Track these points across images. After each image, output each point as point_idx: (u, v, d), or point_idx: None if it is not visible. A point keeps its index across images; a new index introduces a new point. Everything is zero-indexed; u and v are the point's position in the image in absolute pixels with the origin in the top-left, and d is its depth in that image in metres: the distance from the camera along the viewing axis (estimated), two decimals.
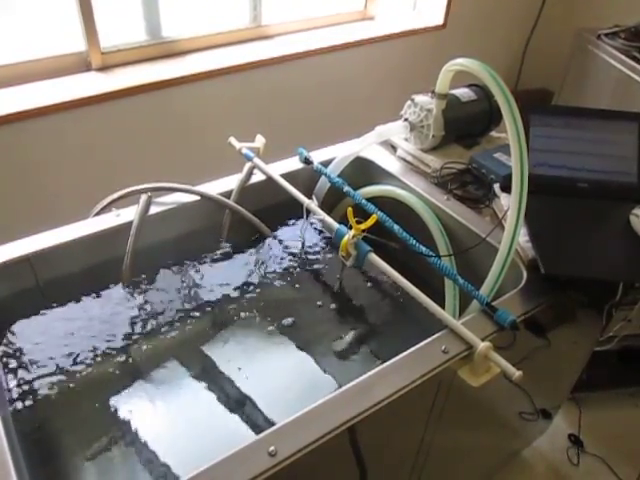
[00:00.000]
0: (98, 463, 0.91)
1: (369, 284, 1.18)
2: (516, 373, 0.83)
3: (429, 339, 0.89)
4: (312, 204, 1.12)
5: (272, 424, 0.87)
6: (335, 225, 1.07)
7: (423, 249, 1.03)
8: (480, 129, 1.36)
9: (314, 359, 1.04)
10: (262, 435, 0.73)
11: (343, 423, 0.75)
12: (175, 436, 0.93)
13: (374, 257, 1.01)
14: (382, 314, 1.16)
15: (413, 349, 0.87)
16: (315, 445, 0.73)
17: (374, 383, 0.81)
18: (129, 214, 1.09)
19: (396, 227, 1.07)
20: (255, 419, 0.95)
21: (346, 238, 1.01)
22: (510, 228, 0.98)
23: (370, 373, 0.83)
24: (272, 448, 0.71)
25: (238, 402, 0.98)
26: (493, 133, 1.40)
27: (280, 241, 1.22)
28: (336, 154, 1.29)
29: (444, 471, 1.25)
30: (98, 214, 1.10)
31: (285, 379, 1.02)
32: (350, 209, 1.00)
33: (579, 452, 1.72)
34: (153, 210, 1.11)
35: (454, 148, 1.33)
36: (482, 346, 0.85)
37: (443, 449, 1.11)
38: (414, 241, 1.04)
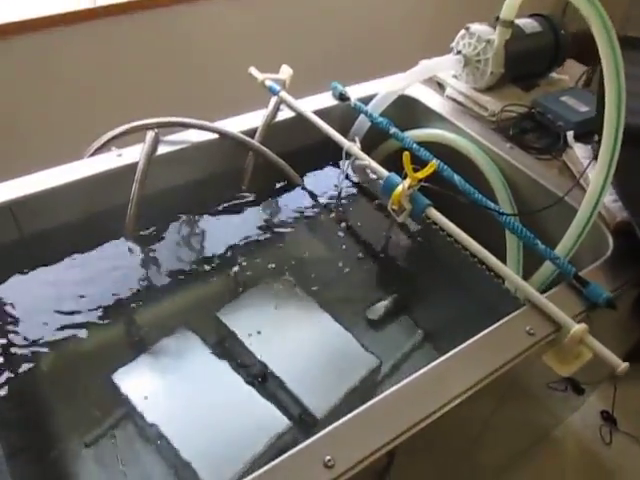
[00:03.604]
0: (99, 451, 0.75)
1: (417, 245, 1.00)
2: (622, 365, 0.67)
3: (509, 317, 0.72)
4: (354, 147, 0.93)
5: (302, 406, 0.75)
6: (384, 172, 0.88)
7: (492, 205, 0.85)
8: (542, 68, 1.17)
9: (348, 329, 0.87)
10: (315, 439, 0.57)
11: (414, 424, 0.59)
12: (188, 418, 0.76)
13: (434, 213, 0.83)
14: (430, 281, 0.99)
15: (491, 329, 0.70)
16: (381, 453, 0.57)
17: (448, 372, 0.65)
18: (133, 154, 0.89)
19: (457, 178, 0.88)
20: (280, 398, 0.79)
21: (400, 189, 0.83)
22: (597, 184, 0.81)
23: (441, 359, 0.66)
24: (328, 457, 0.55)
25: (260, 378, 0.81)
26: (554, 74, 1.21)
27: (311, 190, 1.04)
28: (374, 91, 1.10)
29: (477, 452, 1.11)
30: (95, 154, 0.90)
31: (315, 351, 0.84)
32: (407, 154, 0.81)
33: (612, 430, 1.60)
34: (161, 150, 0.91)
35: (511, 89, 1.14)
36: (577, 328, 0.69)
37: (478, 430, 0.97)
38: (480, 195, 0.86)
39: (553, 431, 1.56)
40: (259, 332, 0.84)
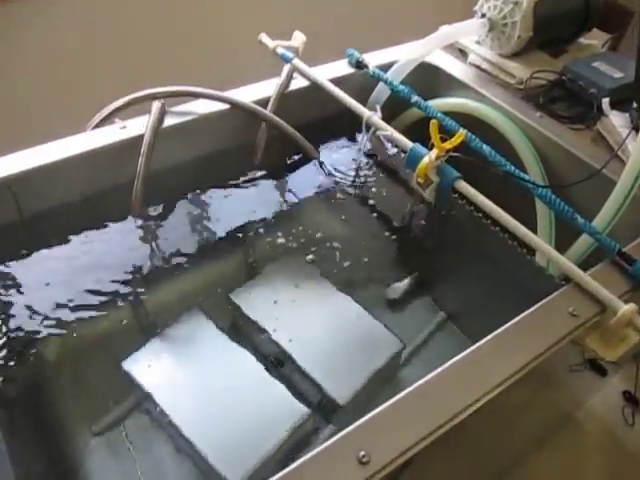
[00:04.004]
0: (109, 440, 0.70)
1: (440, 221, 0.94)
2: None
3: (549, 297, 0.66)
4: (375, 116, 0.87)
5: (323, 393, 0.70)
6: (408, 143, 0.82)
7: (526, 176, 0.79)
8: (571, 33, 1.10)
9: (370, 310, 0.81)
10: (347, 432, 0.51)
11: (454, 415, 0.54)
12: (202, 407, 0.71)
13: (464, 185, 0.77)
14: (454, 258, 0.93)
15: (531, 311, 0.64)
16: (419, 447, 0.51)
17: (488, 359, 0.59)
18: (138, 126, 0.83)
19: (486, 148, 0.82)
20: (299, 384, 0.74)
21: (426, 160, 0.77)
22: (638, 154, 0.74)
23: (479, 344, 0.60)
24: (362, 453, 0.50)
25: (277, 363, 0.77)
26: (582, 40, 1.13)
27: (328, 164, 0.97)
28: (392, 59, 1.03)
29: (497, 437, 1.06)
30: (97, 127, 0.84)
31: (335, 334, 0.79)
32: (435, 122, 0.75)
33: (634, 411, 1.55)
34: (168, 122, 0.85)
35: (538, 55, 1.07)
36: (626, 309, 0.63)
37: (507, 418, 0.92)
38: (511, 166, 0.80)
39: (574, 413, 1.52)
40: (275, 314, 0.78)
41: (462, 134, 0.77)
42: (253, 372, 0.74)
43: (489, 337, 0.61)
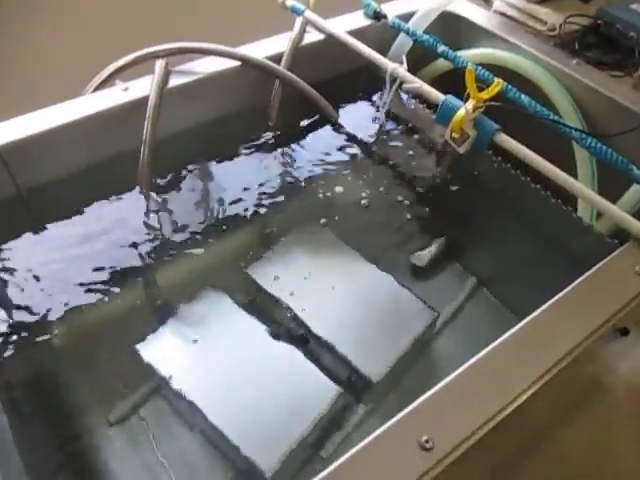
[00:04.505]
0: (127, 431, 0.64)
1: (469, 182, 0.87)
2: None
3: (611, 256, 0.60)
4: (400, 68, 0.79)
5: (354, 369, 0.65)
6: (439, 95, 0.74)
7: (574, 125, 0.72)
8: None
9: (398, 279, 0.75)
10: (405, 415, 0.45)
11: (523, 391, 0.47)
12: (225, 391, 0.64)
13: (505, 138, 0.70)
14: (486, 221, 0.86)
15: (592, 271, 0.58)
16: (488, 427, 0.45)
17: (553, 326, 0.53)
18: (141, 87, 0.75)
19: (525, 98, 0.75)
20: (327, 361, 0.68)
21: (462, 113, 0.70)
22: None
23: (541, 310, 0.54)
24: (425, 437, 0.43)
25: (302, 340, 0.70)
26: None
27: (347, 124, 0.90)
28: (411, 9, 0.95)
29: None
30: (97, 89, 0.76)
31: (361, 306, 0.72)
32: (471, 70, 0.67)
33: None
34: (173, 82, 0.77)
35: (568, 1, 0.99)
36: None
37: None
38: (554, 115, 0.73)
39: (602, 379, 1.47)
40: (296, 288, 0.71)
41: (500, 82, 0.70)
42: (278, 350, 0.68)
43: (549, 303, 0.55)
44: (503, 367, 0.49)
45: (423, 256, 0.83)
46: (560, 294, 0.55)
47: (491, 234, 0.87)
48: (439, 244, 0.84)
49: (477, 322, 0.80)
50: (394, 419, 0.44)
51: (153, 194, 0.77)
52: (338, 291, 0.73)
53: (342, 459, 0.42)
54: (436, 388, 0.47)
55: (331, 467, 0.41)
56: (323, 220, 0.81)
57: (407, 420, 0.44)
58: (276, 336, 0.68)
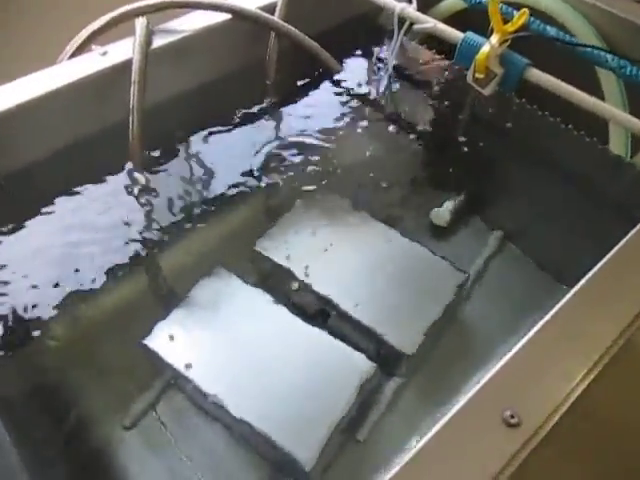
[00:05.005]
0: (143, 433, 0.57)
1: (487, 131, 0.80)
2: None
3: None
4: (409, 8, 0.71)
5: (384, 343, 0.58)
6: (457, 34, 0.67)
7: (610, 55, 0.64)
8: None
9: (418, 241, 0.68)
10: (481, 388, 0.38)
11: (609, 348, 0.41)
12: (250, 380, 0.57)
13: (536, 73, 0.62)
14: (511, 171, 0.79)
15: None
16: (576, 394, 0.39)
17: (620, 280, 0.46)
18: (122, 50, 0.67)
19: (551, 29, 0.67)
20: (354, 337, 0.61)
21: (486, 49, 0.62)
22: None
23: (605, 261, 0.47)
24: (509, 412, 0.37)
25: (324, 316, 0.63)
26: None
27: (352, 78, 0.82)
28: None
29: None
30: (73, 56, 0.68)
31: (384, 274, 0.65)
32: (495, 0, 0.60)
33: None
34: (157, 43, 0.69)
35: None
36: None
37: None
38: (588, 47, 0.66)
39: (632, 337, 1.42)
40: (311, 260, 0.64)
41: (525, 11, 0.63)
42: (300, 330, 0.61)
43: (609, 255, 0.48)
44: (580, 322, 0.42)
45: (443, 213, 0.76)
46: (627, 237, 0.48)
47: (518, 184, 0.80)
48: (460, 199, 0.77)
49: (506, 278, 0.73)
50: (469, 394, 0.38)
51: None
52: (357, 260, 0.66)
53: (420, 444, 0.35)
54: (512, 353, 0.40)
55: (411, 453, 0.34)
56: (332, 185, 0.74)
57: (484, 394, 0.38)
58: (296, 314, 0.62)
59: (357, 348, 0.59)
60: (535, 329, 0.42)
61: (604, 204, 0.69)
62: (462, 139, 0.79)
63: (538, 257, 0.73)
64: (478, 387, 0.38)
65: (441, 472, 0.35)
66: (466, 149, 0.78)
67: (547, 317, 0.43)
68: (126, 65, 0.65)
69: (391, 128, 0.80)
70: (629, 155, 0.71)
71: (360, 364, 0.58)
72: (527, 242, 0.74)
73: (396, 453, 0.55)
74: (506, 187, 0.79)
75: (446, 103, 0.81)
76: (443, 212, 0.76)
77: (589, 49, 0.65)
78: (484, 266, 0.72)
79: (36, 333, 0.59)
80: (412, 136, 0.80)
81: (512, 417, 0.37)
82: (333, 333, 0.60)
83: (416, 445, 0.36)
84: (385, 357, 0.60)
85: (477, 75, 0.64)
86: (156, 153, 0.71)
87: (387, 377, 0.61)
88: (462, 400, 0.38)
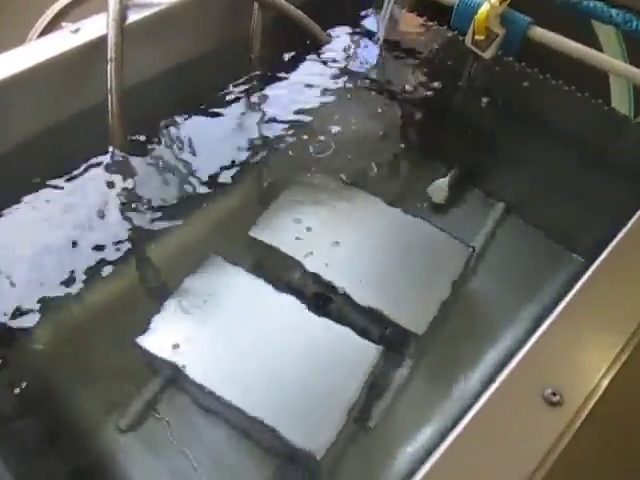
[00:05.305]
0: (143, 436, 0.53)
1: (481, 99, 0.76)
2: None
3: None
4: None
5: (392, 323, 0.54)
6: None
7: (613, 11, 0.61)
8: None
9: (419, 216, 0.64)
10: (517, 365, 0.35)
11: None
12: (255, 373, 0.53)
13: (539, 31, 0.59)
14: (507, 139, 0.76)
15: None
16: (617, 367, 0.36)
17: None
18: (94, 27, 0.62)
19: None
20: (359, 321, 0.57)
21: (486, 8, 0.59)
22: None
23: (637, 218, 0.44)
24: (550, 390, 0.34)
25: (325, 300, 0.60)
26: None
27: (341, 50, 0.78)
28: None
29: None
30: (43, 35, 0.63)
31: (387, 252, 0.62)
32: None
33: None
34: (132, 18, 0.64)
35: None
36: None
37: None
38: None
39: None
40: (309, 243, 0.61)
41: None
42: (302, 316, 0.57)
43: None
44: (613, 293, 0.39)
45: (441, 188, 0.73)
46: None
47: (519, 152, 0.76)
48: (457, 172, 0.73)
49: (511, 249, 0.70)
50: (505, 372, 0.34)
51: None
52: (358, 240, 0.62)
53: (457, 430, 0.32)
54: (546, 325, 0.37)
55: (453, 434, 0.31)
56: (326, 164, 0.70)
57: (522, 371, 0.35)
58: (297, 300, 0.58)
59: (362, 332, 0.56)
60: (565, 302, 0.39)
61: (609, 166, 0.67)
62: (458, 109, 0.76)
63: (543, 226, 0.70)
64: (513, 365, 0.35)
65: (485, 456, 0.32)
66: (463, 119, 0.75)
67: (575, 289, 0.40)
68: (100, 42, 0.60)
69: (384, 100, 0.76)
70: (632, 113, 0.68)
71: (367, 349, 0.55)
72: (531, 212, 0.71)
73: (408, 440, 0.52)
74: (506, 157, 0.76)
75: (439, 71, 0.78)
76: (441, 187, 0.72)
77: (591, 4, 0.61)
78: (489, 239, 0.70)
79: (20, 339, 0.54)
80: (406, 108, 0.76)
81: (554, 395, 0.34)
82: (337, 317, 0.57)
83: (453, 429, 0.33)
84: (393, 339, 0.57)
85: (477, 37, 0.60)
86: (138, 137, 0.66)
87: (396, 360, 0.58)
88: (498, 379, 0.34)
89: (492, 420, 0.32)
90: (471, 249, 0.62)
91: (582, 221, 0.67)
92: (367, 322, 0.58)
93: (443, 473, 0.31)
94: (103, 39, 0.60)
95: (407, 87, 0.77)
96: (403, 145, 0.75)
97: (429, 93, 0.76)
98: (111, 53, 0.59)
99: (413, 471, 0.33)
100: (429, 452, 0.35)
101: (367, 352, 0.54)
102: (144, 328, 0.54)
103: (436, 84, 0.77)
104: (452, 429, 0.33)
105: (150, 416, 0.53)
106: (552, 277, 0.63)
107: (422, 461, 0.36)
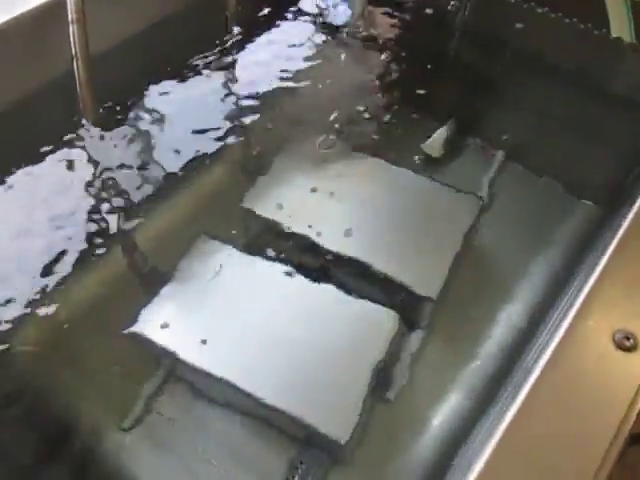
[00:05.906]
0: (147, 433, 0.47)
1: (472, 49, 0.71)
2: None
3: None
4: None
5: (406, 289, 0.51)
6: None
7: None
8: None
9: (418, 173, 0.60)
10: (580, 307, 0.31)
11: None
12: (266, 357, 0.48)
13: None
14: (499, 89, 0.71)
15: None
16: None
17: None
18: None
19: None
20: (369, 289, 0.53)
21: None
22: None
23: None
24: (620, 334, 0.30)
25: (330, 270, 0.55)
26: None
27: (320, 3, 0.73)
28: None
29: None
30: None
31: (390, 214, 0.57)
32: None
33: None
34: None
35: None
36: None
37: None
38: None
39: None
40: (306, 211, 0.56)
41: None
42: (308, 290, 0.53)
43: None
44: None
45: (436, 142, 0.68)
46: None
47: (515, 96, 0.72)
48: (452, 123, 0.69)
49: (514, 197, 0.66)
50: (568, 319, 0.30)
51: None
52: (358, 203, 0.58)
53: (527, 386, 0.28)
54: (601, 267, 0.32)
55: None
56: (315, 128, 0.65)
57: (586, 314, 0.30)
58: (300, 273, 0.53)
59: (376, 300, 0.52)
60: (616, 239, 0.35)
61: (610, 99, 0.63)
62: (451, 55, 0.71)
63: (547, 172, 0.66)
64: (574, 312, 0.31)
65: (560, 409, 0.28)
66: (456, 65, 0.71)
67: (621, 230, 0.36)
68: (59, 3, 0.53)
69: (371, 53, 0.71)
70: (633, 37, 0.64)
71: (382, 317, 0.51)
72: (532, 157, 0.67)
73: (429, 410, 0.48)
74: (502, 102, 0.72)
75: (427, 15, 0.73)
76: (436, 141, 0.68)
77: None
78: (492, 189, 0.66)
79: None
80: (395, 59, 0.71)
81: (627, 339, 0.29)
82: (343, 289, 0.52)
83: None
84: (405, 306, 0.53)
85: None
86: (110, 109, 0.60)
87: (410, 327, 0.54)
88: (562, 327, 0.30)
89: (564, 374, 0.28)
90: (480, 199, 0.58)
91: (583, 163, 0.64)
92: (377, 290, 0.54)
93: (519, 435, 0.27)
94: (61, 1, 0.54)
95: (394, 37, 0.72)
96: (394, 98, 0.70)
97: (416, 42, 0.71)
98: (72, 14, 0.53)
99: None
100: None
101: (384, 321, 0.50)
102: (137, 315, 0.49)
103: (423, 32, 0.72)
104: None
105: (152, 408, 0.48)
106: (559, 222, 0.60)
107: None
